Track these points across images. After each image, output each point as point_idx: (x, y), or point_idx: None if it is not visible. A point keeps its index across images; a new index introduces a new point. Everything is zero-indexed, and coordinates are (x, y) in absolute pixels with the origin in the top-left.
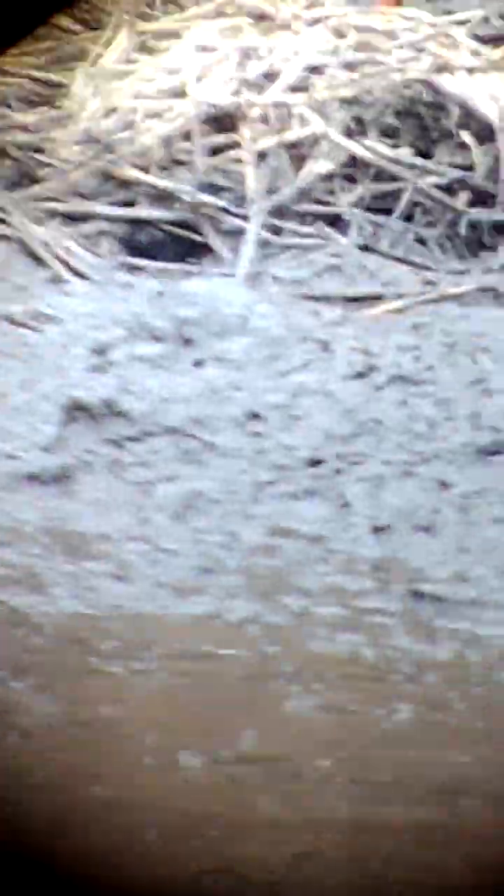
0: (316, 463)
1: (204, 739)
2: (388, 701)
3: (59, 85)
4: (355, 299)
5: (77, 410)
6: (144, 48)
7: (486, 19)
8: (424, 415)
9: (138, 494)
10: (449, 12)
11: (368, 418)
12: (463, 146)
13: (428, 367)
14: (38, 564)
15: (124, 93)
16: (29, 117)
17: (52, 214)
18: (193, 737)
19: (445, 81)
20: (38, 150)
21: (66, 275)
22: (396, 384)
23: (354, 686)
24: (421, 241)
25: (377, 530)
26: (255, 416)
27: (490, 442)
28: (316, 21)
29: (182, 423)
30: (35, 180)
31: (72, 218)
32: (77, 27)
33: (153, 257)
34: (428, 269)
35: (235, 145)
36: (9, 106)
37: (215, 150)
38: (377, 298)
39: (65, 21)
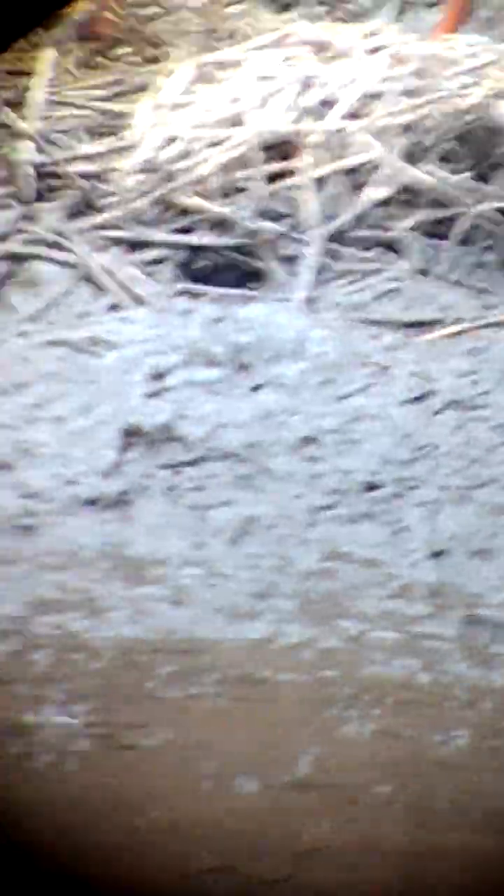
0: (372, 487)
1: (260, 764)
2: (445, 727)
3: (122, 115)
4: (413, 324)
5: (135, 435)
6: (205, 78)
7: None
8: (481, 439)
9: (194, 519)
10: None
11: (425, 443)
12: None
13: (485, 391)
14: (96, 589)
15: (185, 122)
16: (93, 148)
17: (113, 242)
18: (250, 761)
19: (501, 109)
20: (101, 180)
21: (126, 301)
22: (453, 409)
23: (410, 711)
24: (479, 265)
25: (434, 555)
26: (311, 440)
27: None
28: (374, 49)
29: (238, 448)
30: (97, 209)
31: (132, 245)
32: (140, 60)
33: (211, 283)
34: (486, 293)
35: (294, 172)
36: (74, 136)
37: (274, 177)
38: (435, 323)
39: (129, 55)
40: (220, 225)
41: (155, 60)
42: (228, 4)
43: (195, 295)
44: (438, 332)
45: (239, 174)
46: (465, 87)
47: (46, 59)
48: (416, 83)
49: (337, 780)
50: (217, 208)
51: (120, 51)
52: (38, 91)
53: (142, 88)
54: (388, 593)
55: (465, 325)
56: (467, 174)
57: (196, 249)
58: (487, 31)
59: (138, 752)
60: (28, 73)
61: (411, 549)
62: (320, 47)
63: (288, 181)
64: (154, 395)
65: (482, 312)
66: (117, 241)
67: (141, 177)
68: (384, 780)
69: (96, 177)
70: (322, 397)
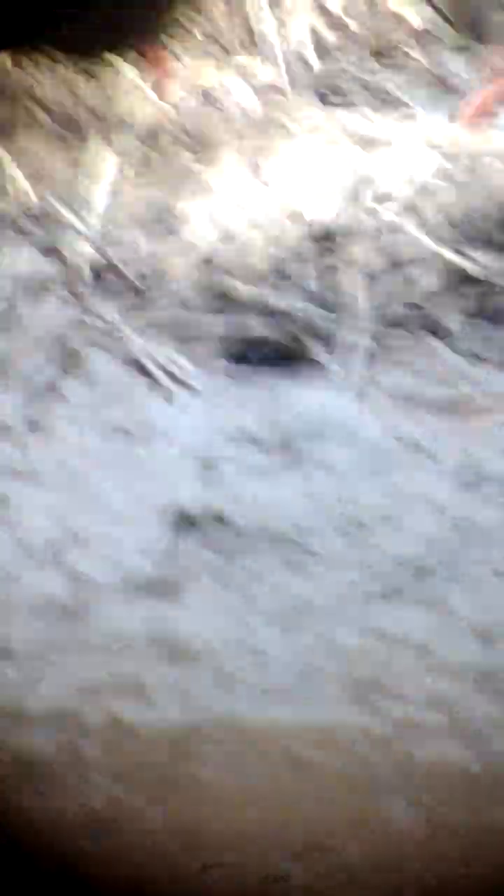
0: (421, 571)
1: (307, 852)
2: (496, 814)
3: (177, 213)
4: (462, 409)
5: (183, 520)
6: (257, 174)
7: None
8: None
9: (243, 603)
10: None
11: (474, 527)
12: None
13: None
14: (144, 673)
15: (237, 215)
16: (144, 240)
17: (164, 331)
18: (298, 849)
19: None
20: (156, 275)
21: (175, 389)
22: (503, 494)
23: (459, 798)
24: None
25: (482, 638)
26: (360, 524)
27: None
28: (421, 140)
29: (287, 532)
30: (148, 299)
31: (183, 335)
32: (195, 158)
33: (262, 371)
34: None
35: (345, 264)
36: (127, 228)
37: (325, 269)
38: (485, 409)
39: (185, 153)
40: (272, 314)
41: (209, 159)
42: (272, 102)
43: (246, 382)
44: (489, 418)
45: (291, 266)
46: None
47: (107, 161)
48: (464, 174)
49: (384, 867)
50: (269, 298)
51: (176, 149)
52: (96, 189)
53: (197, 186)
54: (435, 676)
55: None
56: None
57: (247, 338)
58: None
59: (186, 836)
60: (86, 171)
61: (459, 631)
62: (368, 140)
63: (340, 273)
64: (202, 479)
65: None
66: (167, 331)
67: (193, 268)
68: (432, 871)
69: (149, 268)
70: (371, 482)
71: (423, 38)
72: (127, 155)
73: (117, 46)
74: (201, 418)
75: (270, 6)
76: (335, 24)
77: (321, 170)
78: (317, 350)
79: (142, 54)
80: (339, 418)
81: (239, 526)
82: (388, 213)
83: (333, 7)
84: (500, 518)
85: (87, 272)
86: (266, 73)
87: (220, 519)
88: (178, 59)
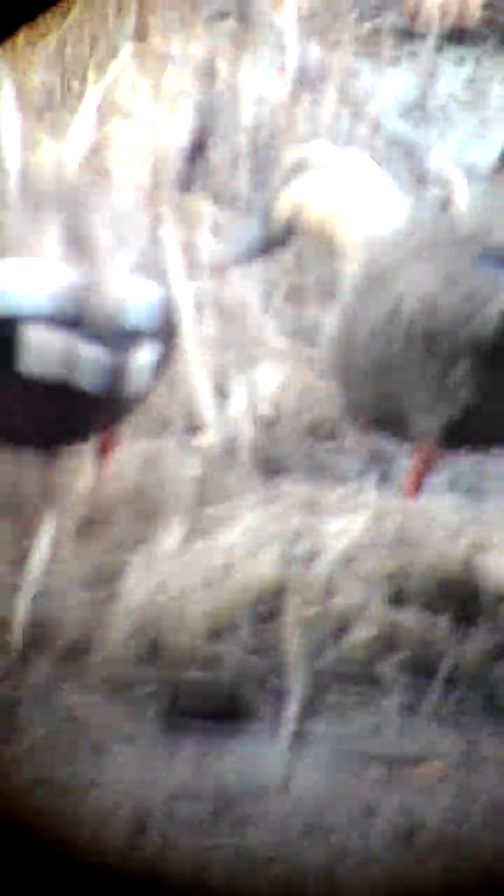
0: None
1: None
2: None
3: (115, 569)
4: (399, 760)
5: None
6: (198, 532)
7: None
8: (467, 879)
9: None
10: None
11: (411, 884)
12: (500, 619)
13: (472, 828)
14: None
15: (176, 571)
16: (84, 597)
17: (100, 685)
18: None
19: (482, 560)
20: (90, 626)
21: (110, 742)
22: (440, 846)
23: None
24: (462, 703)
25: None
26: (295, 879)
27: None
28: (359, 506)
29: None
30: (84, 653)
31: (120, 685)
32: (130, 514)
33: (199, 720)
34: (468, 731)
35: (281, 614)
36: (66, 585)
37: (260, 619)
38: (420, 760)
39: (119, 509)
40: (208, 667)
41: (152, 518)
42: (212, 469)
43: (181, 732)
44: (424, 769)
45: (228, 612)
46: (446, 539)
47: (45, 532)
48: (398, 536)
49: None
50: (205, 648)
51: (117, 510)
52: (36, 549)
53: (137, 544)
54: None
55: (450, 762)
56: (449, 619)
57: (184, 687)
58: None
59: None
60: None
61: None
62: (308, 502)
63: (276, 622)
64: (139, 832)
65: (467, 749)
66: (107, 687)
67: (132, 625)
68: None
69: (86, 625)
70: (307, 834)
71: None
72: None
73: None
74: (135, 770)
75: (213, 384)
76: (274, 401)
77: (261, 529)
78: (252, 702)
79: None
80: (274, 771)
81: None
82: (325, 568)
83: (272, 386)
84: (437, 873)
85: (18, 634)
86: (207, 442)
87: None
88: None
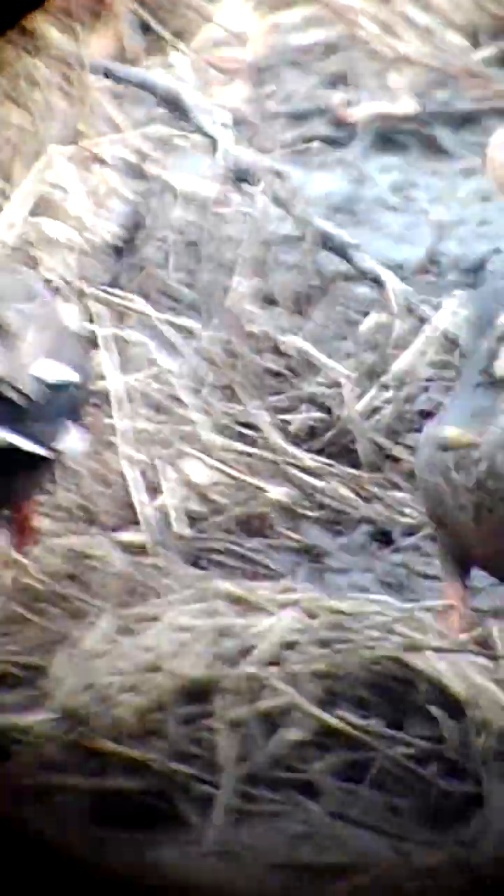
0: None
1: None
2: None
3: (38, 667)
4: (326, 869)
5: None
6: (125, 630)
7: None
8: None
9: None
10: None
11: None
12: (433, 719)
13: None
14: None
15: (102, 670)
16: (6, 698)
17: (25, 787)
18: None
19: (414, 658)
20: (14, 729)
21: None
22: None
23: None
24: (392, 809)
25: None
26: None
27: None
28: (289, 603)
29: None
30: (8, 756)
31: (43, 790)
32: (62, 614)
33: (122, 826)
34: (399, 838)
35: (209, 715)
36: None
37: (188, 720)
38: (347, 868)
39: (45, 605)
40: (133, 768)
41: (77, 615)
42: (141, 564)
43: (104, 839)
44: (352, 879)
45: (154, 717)
46: (376, 639)
47: None
48: (329, 634)
49: None
50: (130, 751)
51: (42, 606)
52: None
53: (62, 639)
54: None
55: (379, 871)
56: (379, 720)
57: (107, 793)
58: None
59: None
60: None
61: None
62: (236, 601)
63: (203, 723)
64: None
65: (395, 858)
66: (31, 788)
67: (54, 723)
68: None
69: (8, 727)
70: None
71: (285, 510)
72: None
73: None
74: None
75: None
76: (203, 496)
77: (189, 626)
78: (180, 804)
79: (11, 515)
80: (202, 879)
81: None
82: (254, 667)
83: (202, 480)
84: None
85: None
86: (137, 538)
87: None
88: (45, 522)
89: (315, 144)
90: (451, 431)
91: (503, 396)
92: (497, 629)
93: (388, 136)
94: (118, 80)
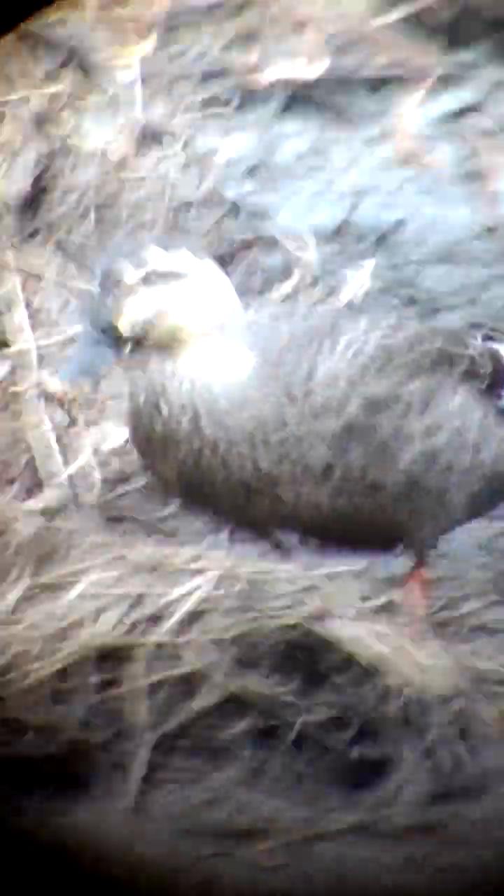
0: None
1: None
2: None
3: None
4: (239, 833)
5: None
6: (38, 597)
7: None
8: None
9: None
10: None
11: None
12: (342, 686)
13: None
14: None
15: (15, 633)
16: None
17: None
18: None
19: (322, 627)
20: None
21: None
22: None
23: None
24: (305, 774)
25: None
26: None
27: None
28: (203, 569)
29: None
30: None
31: None
32: None
33: (35, 791)
34: (312, 802)
35: (122, 680)
36: None
37: (101, 686)
38: (260, 832)
39: None
40: (45, 732)
41: None
42: (53, 528)
43: (20, 801)
44: (263, 844)
45: (66, 683)
46: (289, 606)
47: None
48: (240, 601)
49: None
50: (41, 715)
51: None
52: None
53: None
54: None
55: (292, 835)
56: (293, 685)
57: (18, 759)
58: None
59: None
60: None
61: None
62: (153, 564)
63: (116, 689)
64: None
65: (308, 821)
66: None
67: None
68: None
69: None
70: None
71: None
72: None
73: None
74: None
75: (57, 441)
76: (118, 458)
77: (101, 591)
78: (93, 769)
79: None
80: (113, 843)
81: None
82: (167, 635)
83: (116, 442)
84: None
85: None
86: (51, 503)
87: None
88: None
89: (225, 107)
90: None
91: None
92: (397, 595)
93: (298, 100)
94: (24, 36)
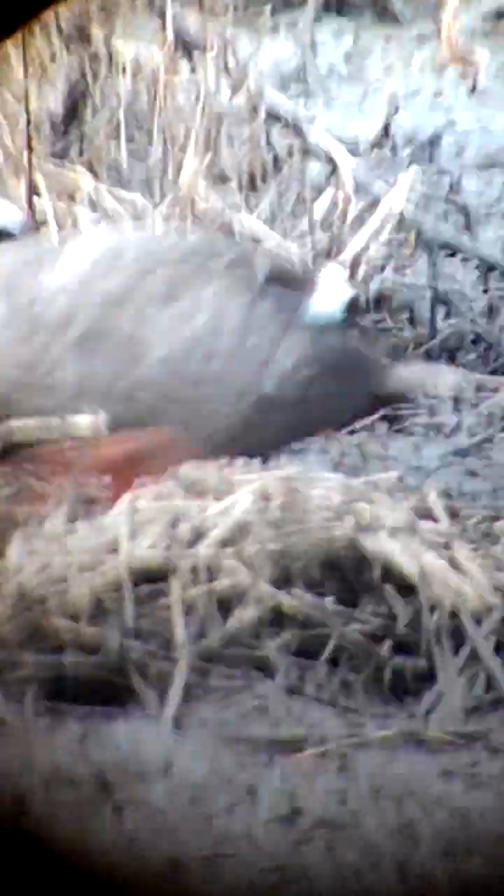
0: None
1: None
2: None
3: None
4: (280, 742)
5: None
6: (81, 514)
7: None
8: (349, 861)
9: None
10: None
11: (294, 863)
12: (385, 598)
13: (353, 811)
14: None
15: (59, 550)
16: None
17: None
18: None
19: (368, 539)
20: None
21: None
22: (321, 829)
23: None
24: (345, 685)
25: None
26: (176, 863)
27: None
28: (243, 485)
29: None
30: None
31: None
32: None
33: (78, 703)
34: (352, 712)
35: (165, 594)
36: None
37: (144, 600)
38: (301, 742)
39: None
40: (89, 645)
41: (31, 501)
42: None
43: (60, 713)
44: (307, 751)
45: (110, 597)
46: (329, 520)
47: None
48: (283, 515)
49: None
50: (86, 629)
51: None
52: None
53: (16, 522)
54: None
55: (333, 744)
56: (332, 598)
57: (63, 670)
58: None
59: None
60: None
61: None
62: (191, 483)
63: (159, 603)
64: (18, 815)
65: (348, 731)
66: None
67: (11, 602)
68: None
69: None
70: (189, 819)
71: None
72: None
73: None
74: (13, 750)
75: None
76: None
77: (141, 510)
78: (135, 681)
79: None
80: (156, 752)
81: None
82: (207, 549)
83: None
84: (317, 854)
85: None
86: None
87: None
88: None
89: (265, 7)
90: None
91: None
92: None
93: (336, 2)
94: None
